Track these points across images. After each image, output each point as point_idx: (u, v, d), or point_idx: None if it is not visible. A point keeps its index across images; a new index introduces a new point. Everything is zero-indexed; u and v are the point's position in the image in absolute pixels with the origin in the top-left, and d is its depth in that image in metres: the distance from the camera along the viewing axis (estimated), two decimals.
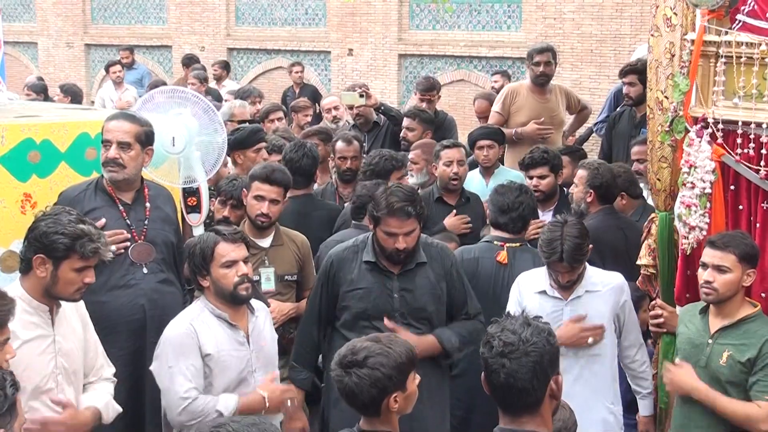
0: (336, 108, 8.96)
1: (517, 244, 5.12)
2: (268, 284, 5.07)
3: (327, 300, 4.64)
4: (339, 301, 4.60)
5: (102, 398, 3.98)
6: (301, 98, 10.64)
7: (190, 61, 13.68)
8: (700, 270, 4.21)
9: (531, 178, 6.26)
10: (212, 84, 12.84)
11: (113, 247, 4.39)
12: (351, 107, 8.41)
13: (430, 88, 8.70)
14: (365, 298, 4.53)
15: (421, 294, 4.56)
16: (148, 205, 4.74)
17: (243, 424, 2.42)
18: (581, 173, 5.74)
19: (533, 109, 7.93)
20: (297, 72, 13.26)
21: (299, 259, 5.21)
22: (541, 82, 8.04)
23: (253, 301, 4.32)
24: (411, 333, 4.41)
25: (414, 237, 4.49)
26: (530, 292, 4.72)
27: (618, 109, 8.55)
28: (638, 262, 4.96)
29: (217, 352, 4.06)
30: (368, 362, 3.18)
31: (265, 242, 5.14)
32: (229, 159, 6.24)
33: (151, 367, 4.16)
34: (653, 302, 4.90)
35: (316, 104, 10.76)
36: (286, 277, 5.15)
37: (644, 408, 4.84)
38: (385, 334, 3.41)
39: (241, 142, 6.15)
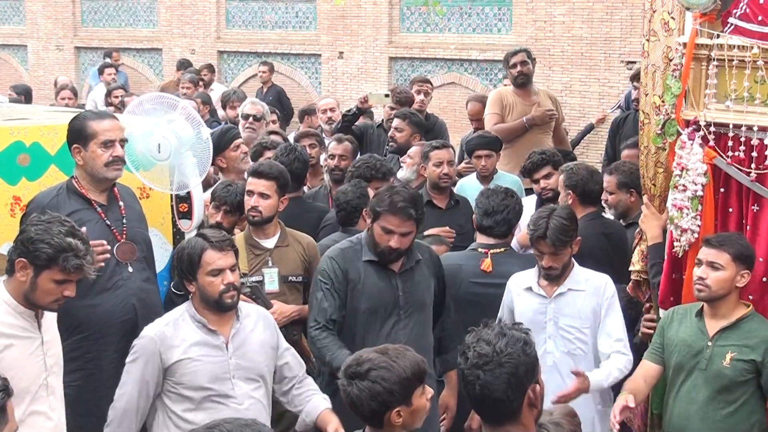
0: (332, 110, 8.94)
1: (502, 250, 5.12)
2: (271, 285, 5.05)
3: (340, 300, 4.58)
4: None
5: None
6: (314, 102, 10.63)
7: (182, 65, 13.73)
8: (694, 268, 4.23)
9: (537, 181, 6.22)
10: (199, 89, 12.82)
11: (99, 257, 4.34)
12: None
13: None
14: (373, 297, 4.58)
15: (422, 289, 4.71)
16: (121, 204, 4.73)
17: (236, 425, 2.39)
18: (560, 179, 5.73)
19: (522, 113, 7.94)
20: (263, 72, 13.57)
21: (305, 260, 5.16)
22: (522, 82, 8.09)
23: (247, 307, 4.27)
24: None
25: (409, 239, 4.57)
26: (519, 289, 4.81)
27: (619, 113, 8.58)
28: (630, 268, 4.95)
29: (185, 358, 3.99)
30: (370, 375, 3.15)
31: (270, 243, 5.12)
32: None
33: None
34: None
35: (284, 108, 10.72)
36: (290, 278, 5.11)
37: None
38: (395, 346, 3.33)
39: (216, 146, 5.99)
